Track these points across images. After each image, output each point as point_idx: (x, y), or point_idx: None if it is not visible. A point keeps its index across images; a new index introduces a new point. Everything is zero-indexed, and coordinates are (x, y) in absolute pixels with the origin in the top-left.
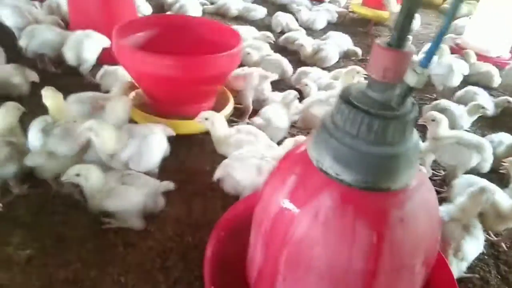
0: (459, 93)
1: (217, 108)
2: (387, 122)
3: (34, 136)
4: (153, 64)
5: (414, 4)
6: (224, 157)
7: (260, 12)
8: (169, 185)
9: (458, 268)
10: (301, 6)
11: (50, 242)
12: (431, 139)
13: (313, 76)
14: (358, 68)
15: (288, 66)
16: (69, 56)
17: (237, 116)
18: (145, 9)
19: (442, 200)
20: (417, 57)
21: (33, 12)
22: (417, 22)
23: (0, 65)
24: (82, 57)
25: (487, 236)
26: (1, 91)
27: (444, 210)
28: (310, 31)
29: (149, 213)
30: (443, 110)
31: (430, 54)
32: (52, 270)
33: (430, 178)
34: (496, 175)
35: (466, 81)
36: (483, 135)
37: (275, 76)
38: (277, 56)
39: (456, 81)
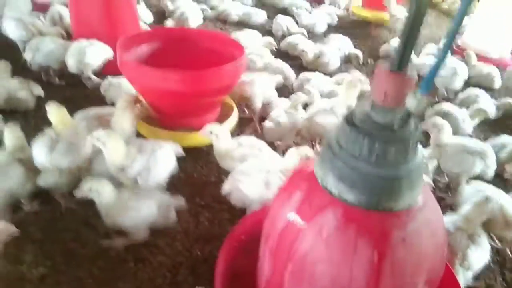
0: (461, 96)
1: (222, 118)
2: (388, 145)
3: (39, 152)
4: (157, 78)
5: (415, 32)
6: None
7: (260, 16)
8: (180, 201)
9: (464, 278)
10: (301, 9)
11: (61, 260)
12: (434, 146)
13: (315, 82)
14: (359, 77)
15: (290, 73)
16: (71, 63)
17: (242, 124)
18: (146, 17)
19: (446, 207)
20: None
21: (36, 25)
22: None
23: (6, 80)
24: (84, 63)
25: (492, 243)
26: (8, 106)
27: (449, 219)
28: (311, 34)
29: (159, 227)
30: (445, 115)
31: (429, 80)
32: None
33: (434, 184)
34: (500, 180)
35: (467, 83)
36: (485, 139)
37: (280, 79)
38: (280, 63)
39: (459, 84)
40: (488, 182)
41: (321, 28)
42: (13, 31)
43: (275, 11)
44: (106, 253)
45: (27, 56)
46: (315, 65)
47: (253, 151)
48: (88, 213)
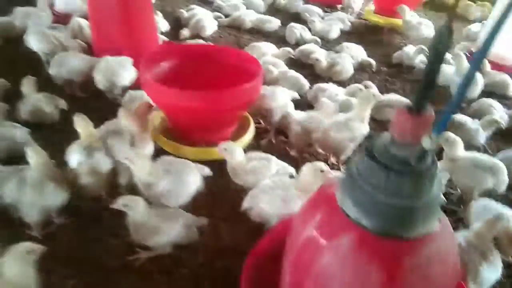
0: (474, 105)
1: (239, 131)
2: (404, 178)
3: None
4: (177, 97)
5: (434, 75)
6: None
7: (274, 23)
8: (203, 220)
9: None
10: (314, 15)
11: (92, 272)
12: (447, 160)
13: (329, 93)
14: (374, 92)
15: (305, 82)
16: (99, 80)
17: (257, 135)
18: (162, 25)
19: (458, 220)
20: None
21: (58, 37)
22: (428, 29)
23: (33, 95)
24: (113, 83)
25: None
26: (33, 119)
27: (461, 236)
28: (324, 41)
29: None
30: (459, 126)
31: (442, 125)
32: None
33: (446, 197)
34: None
35: (481, 90)
36: (498, 150)
37: (296, 95)
38: (294, 73)
39: (475, 93)
40: (500, 196)
41: (334, 34)
42: (36, 44)
43: (288, 17)
44: (132, 264)
45: (52, 71)
46: (329, 74)
47: (262, 163)
48: (114, 224)
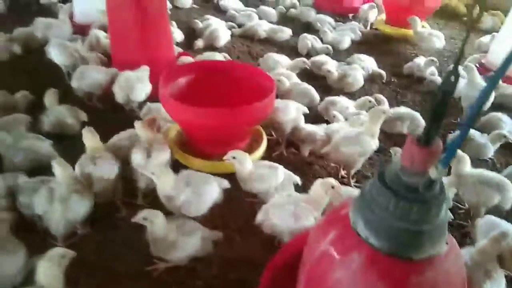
0: (483, 119)
1: (252, 144)
2: (412, 204)
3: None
4: (194, 114)
5: (442, 111)
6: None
7: (286, 33)
8: (218, 234)
9: None
10: (326, 25)
11: (110, 281)
12: (454, 175)
13: (340, 106)
14: (384, 109)
15: (316, 95)
16: (118, 95)
17: (268, 146)
18: (177, 36)
19: (466, 235)
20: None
21: (78, 50)
22: (440, 40)
23: (56, 107)
24: (131, 98)
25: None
26: (56, 131)
27: (467, 253)
28: (335, 51)
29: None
30: (468, 140)
31: (449, 158)
32: None
33: (454, 211)
34: None
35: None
36: (506, 164)
37: (306, 110)
38: (306, 85)
39: (486, 107)
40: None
41: (345, 44)
42: (57, 56)
43: (300, 26)
44: (149, 274)
45: (73, 83)
46: (340, 85)
47: (270, 171)
48: (132, 234)
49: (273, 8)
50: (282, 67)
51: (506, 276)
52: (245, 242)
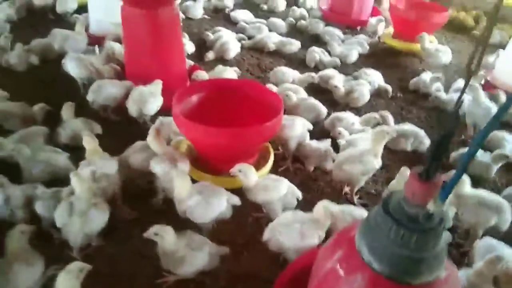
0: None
1: (259, 160)
2: (413, 233)
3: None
4: (205, 134)
5: (442, 151)
6: (260, 207)
7: (295, 45)
8: (225, 250)
9: None
10: (334, 37)
11: None
12: (454, 195)
13: (346, 122)
14: (386, 129)
15: (322, 109)
16: (132, 109)
17: (275, 160)
18: (189, 48)
19: (464, 254)
20: (447, 96)
21: (93, 63)
22: (447, 56)
23: (72, 120)
24: (144, 112)
25: None
26: (73, 143)
27: (463, 274)
28: (343, 64)
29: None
30: None
31: (447, 193)
32: None
33: (453, 230)
34: None
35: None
36: (507, 184)
37: (310, 127)
38: (313, 100)
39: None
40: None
41: (352, 58)
42: (73, 69)
43: (309, 38)
44: (159, 287)
45: (89, 97)
46: (346, 100)
47: (274, 183)
48: (144, 245)
49: (283, 19)
50: (290, 81)
51: None
52: (252, 257)
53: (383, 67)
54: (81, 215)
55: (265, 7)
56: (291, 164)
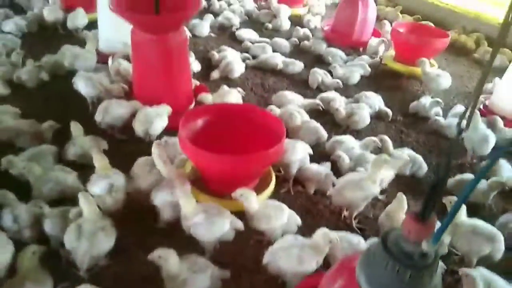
0: (484, 164)
1: (261, 183)
2: (408, 269)
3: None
4: (210, 160)
5: (437, 192)
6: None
7: (298, 66)
8: (226, 273)
9: None
10: (336, 58)
11: None
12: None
13: (346, 145)
14: (385, 157)
15: (324, 133)
16: (138, 129)
17: (277, 183)
18: (195, 66)
19: (459, 281)
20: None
21: (102, 82)
22: (447, 81)
23: (81, 138)
24: (150, 132)
25: None
26: (81, 161)
27: None
28: (344, 86)
29: None
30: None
31: (438, 237)
32: None
33: (448, 257)
34: None
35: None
36: (503, 210)
37: (310, 151)
38: (315, 123)
39: (486, 151)
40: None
41: (354, 80)
42: (83, 88)
43: (312, 58)
44: None
45: (97, 118)
46: (347, 123)
47: (276, 212)
48: (149, 268)
49: (287, 39)
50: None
51: None
52: (251, 280)
53: (384, 89)
54: (89, 238)
55: (270, 26)
56: (292, 187)
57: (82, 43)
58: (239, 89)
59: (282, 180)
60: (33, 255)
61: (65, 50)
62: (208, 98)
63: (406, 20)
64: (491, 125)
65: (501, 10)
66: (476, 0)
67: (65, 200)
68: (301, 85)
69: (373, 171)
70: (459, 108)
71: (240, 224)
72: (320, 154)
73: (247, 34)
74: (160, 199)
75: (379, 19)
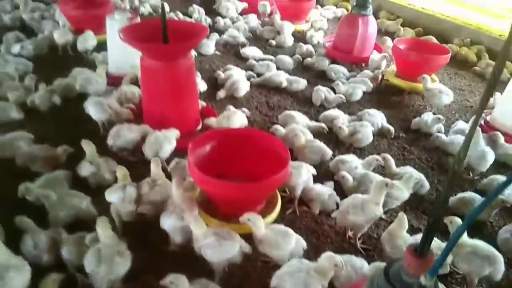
0: (484, 181)
1: (268, 205)
2: None
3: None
4: (215, 185)
5: (434, 228)
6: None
7: (301, 83)
8: None
9: None
10: (339, 74)
11: None
12: None
13: (350, 165)
14: (387, 181)
15: (327, 151)
16: (148, 153)
17: (282, 203)
18: (201, 86)
19: None
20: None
21: (112, 105)
22: (449, 97)
23: (96, 160)
24: (159, 155)
25: None
26: (95, 183)
27: None
28: (347, 102)
29: None
30: (468, 202)
31: (436, 269)
32: None
33: (450, 276)
34: None
35: (494, 161)
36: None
37: (314, 172)
38: (319, 142)
39: (484, 168)
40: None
41: (357, 97)
42: (94, 113)
43: (315, 74)
44: None
45: (109, 141)
46: (350, 141)
47: (284, 239)
48: None
49: (290, 55)
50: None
51: None
52: None
53: (386, 105)
54: (107, 262)
55: (273, 42)
56: (298, 207)
57: (91, 65)
58: (245, 109)
59: (288, 201)
60: (53, 283)
61: (76, 73)
62: (214, 122)
63: (408, 33)
64: (492, 141)
65: (502, 22)
66: (477, 12)
67: (79, 223)
68: (305, 102)
69: (375, 193)
70: (461, 125)
71: (248, 248)
72: (324, 172)
73: (252, 52)
74: (168, 224)
75: (380, 32)
